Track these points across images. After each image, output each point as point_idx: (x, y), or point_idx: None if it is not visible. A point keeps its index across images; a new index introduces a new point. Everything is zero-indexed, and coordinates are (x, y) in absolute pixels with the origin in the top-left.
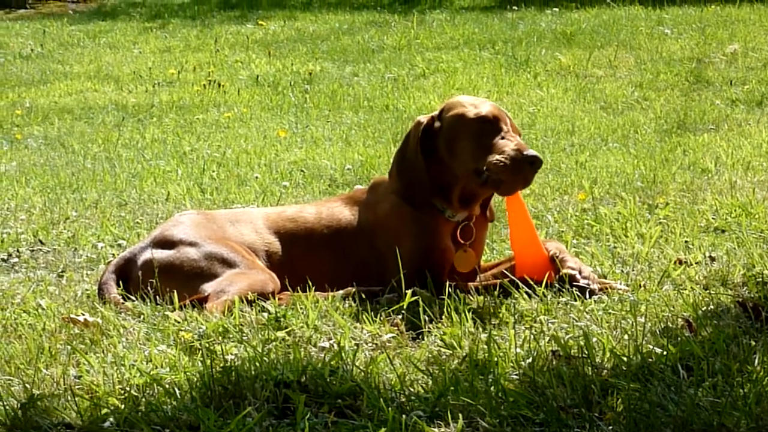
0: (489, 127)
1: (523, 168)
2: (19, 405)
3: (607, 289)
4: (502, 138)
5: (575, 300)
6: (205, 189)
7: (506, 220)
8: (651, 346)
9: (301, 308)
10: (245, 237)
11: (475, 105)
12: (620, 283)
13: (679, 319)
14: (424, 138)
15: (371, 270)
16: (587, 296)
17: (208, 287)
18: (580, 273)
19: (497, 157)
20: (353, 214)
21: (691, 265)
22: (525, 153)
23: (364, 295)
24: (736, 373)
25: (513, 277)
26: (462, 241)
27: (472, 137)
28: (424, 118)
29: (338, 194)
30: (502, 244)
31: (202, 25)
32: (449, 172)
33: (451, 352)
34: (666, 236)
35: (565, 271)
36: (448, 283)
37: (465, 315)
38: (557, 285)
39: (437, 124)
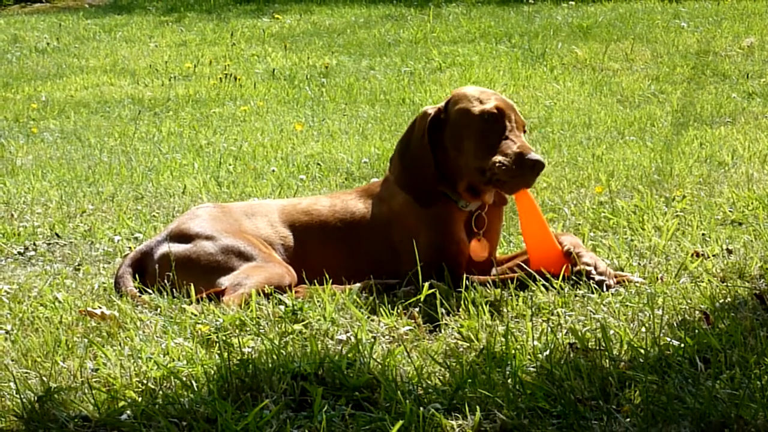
0: (493, 124)
1: (525, 171)
2: (36, 398)
3: (624, 281)
4: (506, 137)
5: (592, 293)
6: (221, 182)
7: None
8: (668, 339)
9: (318, 301)
10: (261, 230)
11: (480, 100)
12: (637, 276)
13: (697, 312)
14: (430, 129)
15: (386, 263)
16: (605, 290)
17: (225, 280)
18: (595, 268)
19: (500, 158)
20: (367, 207)
21: (708, 257)
22: (527, 157)
23: (381, 288)
24: (754, 365)
25: (530, 270)
26: (476, 230)
27: (475, 135)
28: (431, 109)
29: (354, 187)
30: (519, 237)
31: (218, 18)
32: (455, 165)
33: (468, 344)
34: (683, 229)
35: (581, 266)
36: (465, 275)
37: (482, 308)
38: (573, 278)
39: (443, 116)
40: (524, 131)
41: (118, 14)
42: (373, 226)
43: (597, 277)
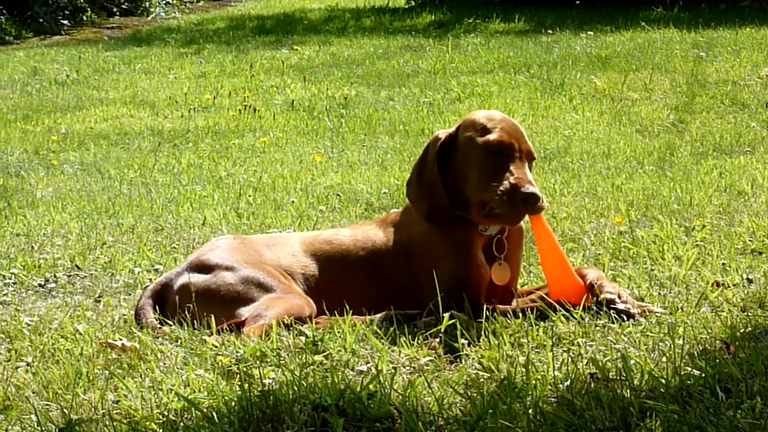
0: (496, 155)
1: (517, 204)
2: (57, 430)
3: (645, 312)
4: (506, 166)
5: (613, 323)
6: (241, 214)
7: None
8: (689, 368)
9: (338, 332)
10: (281, 260)
11: (486, 128)
12: (657, 306)
13: (717, 341)
14: (441, 154)
15: (407, 292)
16: (624, 319)
17: (245, 311)
18: (619, 297)
19: (498, 191)
20: (387, 236)
21: (729, 287)
22: (522, 190)
23: (401, 319)
24: None
25: (550, 300)
26: (497, 254)
27: (479, 166)
28: (443, 134)
29: (374, 218)
30: (539, 267)
31: (237, 50)
32: (464, 193)
33: (489, 375)
34: (703, 258)
35: (604, 295)
36: (485, 306)
37: (503, 338)
38: (595, 308)
39: (454, 141)
40: (531, 159)
41: (137, 46)
42: (393, 254)
43: (621, 306)
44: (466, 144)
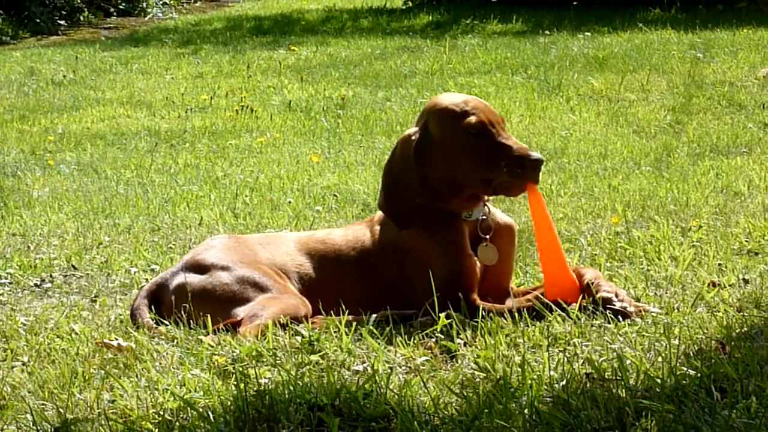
0: (483, 135)
1: (529, 172)
2: (53, 429)
3: (641, 312)
4: (499, 143)
5: (609, 323)
6: (238, 214)
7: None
8: (685, 368)
9: (334, 332)
10: (276, 259)
11: (460, 113)
12: (653, 306)
13: (713, 341)
14: (416, 151)
15: (396, 289)
16: (621, 319)
17: (241, 311)
18: (616, 296)
19: (505, 165)
20: (374, 235)
21: (725, 287)
22: (531, 158)
23: (397, 319)
24: None
25: (546, 300)
26: (482, 235)
27: (470, 151)
28: (413, 133)
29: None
30: (534, 268)
31: (234, 51)
32: (452, 182)
33: (484, 375)
34: (699, 259)
35: (600, 294)
36: (481, 306)
37: (499, 338)
38: (591, 308)
39: (425, 136)
40: (504, 123)
41: (134, 47)
42: (381, 252)
43: (619, 305)
44: (446, 135)
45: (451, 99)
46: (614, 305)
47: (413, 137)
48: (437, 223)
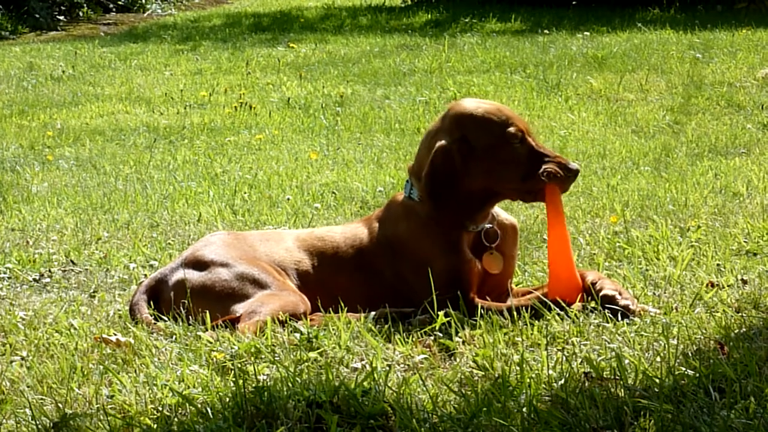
0: (524, 143)
1: (566, 181)
2: (51, 424)
3: (640, 311)
4: (538, 153)
5: (607, 322)
6: (236, 210)
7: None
8: (683, 368)
9: (333, 329)
10: (275, 255)
11: (502, 121)
12: (651, 306)
13: (711, 342)
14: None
15: (394, 286)
16: (620, 318)
17: (240, 308)
18: (620, 294)
19: (543, 174)
20: (372, 232)
21: (723, 287)
22: (571, 168)
23: (396, 316)
24: None
25: (545, 299)
26: (487, 243)
27: (514, 160)
28: (447, 143)
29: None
30: (534, 267)
31: (233, 47)
32: (489, 191)
33: (483, 373)
34: (698, 259)
35: (604, 292)
36: (480, 304)
37: (497, 336)
38: (595, 305)
39: (463, 145)
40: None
41: (133, 42)
42: (378, 249)
43: (622, 302)
44: (491, 144)
45: (484, 107)
46: (618, 302)
47: (451, 147)
48: (440, 224)
